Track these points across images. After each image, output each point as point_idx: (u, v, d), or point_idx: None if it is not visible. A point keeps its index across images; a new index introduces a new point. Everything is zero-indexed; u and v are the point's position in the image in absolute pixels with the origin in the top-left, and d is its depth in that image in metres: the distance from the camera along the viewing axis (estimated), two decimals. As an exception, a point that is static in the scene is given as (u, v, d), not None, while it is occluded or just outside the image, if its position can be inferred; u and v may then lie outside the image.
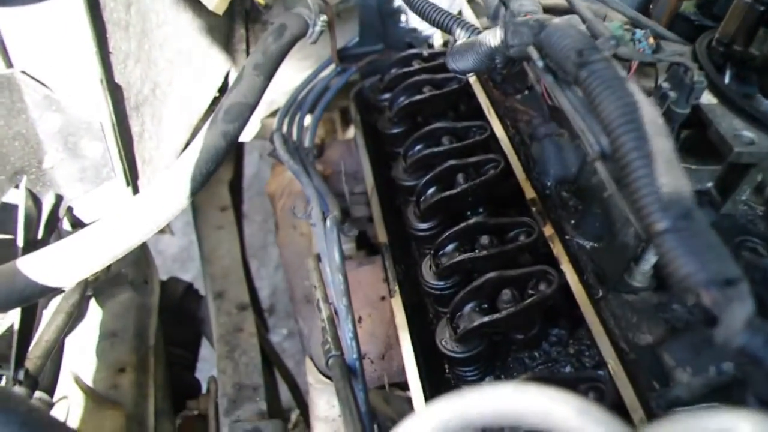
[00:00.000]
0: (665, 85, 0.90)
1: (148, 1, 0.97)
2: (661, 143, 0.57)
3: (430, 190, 1.13)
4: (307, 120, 1.45)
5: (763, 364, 0.50)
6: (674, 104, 0.88)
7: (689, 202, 0.56)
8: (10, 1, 0.77)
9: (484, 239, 1.01)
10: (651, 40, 1.03)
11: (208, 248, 1.64)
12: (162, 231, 1.79)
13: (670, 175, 0.56)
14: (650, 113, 0.58)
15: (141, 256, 1.46)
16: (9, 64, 0.82)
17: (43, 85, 0.84)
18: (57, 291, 0.84)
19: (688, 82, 0.86)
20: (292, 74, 1.69)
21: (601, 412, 0.46)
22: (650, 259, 0.92)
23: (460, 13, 1.41)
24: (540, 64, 0.72)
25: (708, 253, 0.54)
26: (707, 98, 0.94)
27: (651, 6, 1.30)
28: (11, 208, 0.88)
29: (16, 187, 0.88)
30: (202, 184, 0.98)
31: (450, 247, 1.03)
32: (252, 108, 1.10)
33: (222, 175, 2.05)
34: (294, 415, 2.19)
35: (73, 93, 0.87)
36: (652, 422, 0.75)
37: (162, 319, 1.56)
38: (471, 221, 1.02)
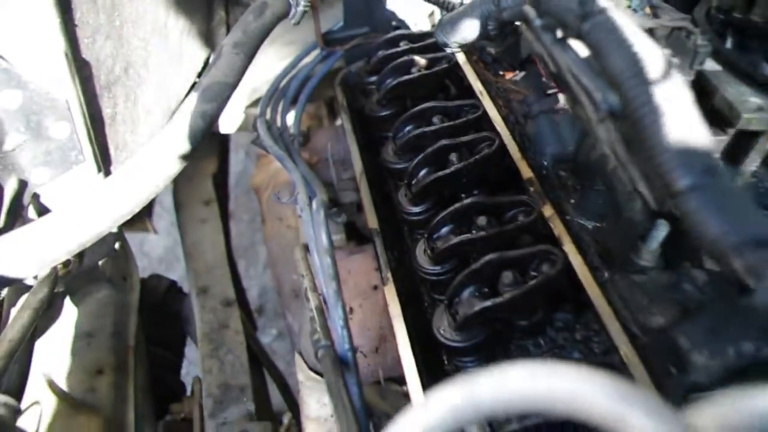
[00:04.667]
0: (667, 51, 0.85)
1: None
2: (678, 94, 0.51)
3: (422, 172, 1.07)
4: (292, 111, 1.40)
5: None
6: (678, 70, 0.83)
7: (712, 157, 0.51)
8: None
9: (482, 220, 0.95)
10: (648, 10, 0.98)
11: (191, 242, 1.57)
12: (146, 230, 1.73)
13: (689, 128, 0.50)
14: (662, 63, 0.53)
15: (119, 250, 1.39)
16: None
17: (1, 57, 0.77)
18: (18, 281, 0.77)
19: (690, 47, 0.82)
20: (276, 61, 1.63)
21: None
22: (658, 236, 0.87)
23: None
24: (537, 23, 0.66)
25: (737, 211, 0.49)
26: (710, 65, 0.89)
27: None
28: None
29: (-26, 171, 0.81)
30: (179, 167, 0.91)
31: (445, 230, 0.97)
32: (232, 87, 1.03)
33: (205, 167, 1.98)
34: (286, 419, 2.12)
35: (35, 67, 0.79)
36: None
37: (143, 318, 1.49)
38: (466, 201, 0.96)
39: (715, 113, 0.90)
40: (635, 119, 0.53)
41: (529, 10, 0.68)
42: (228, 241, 1.79)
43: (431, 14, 1.72)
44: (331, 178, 1.35)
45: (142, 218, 1.58)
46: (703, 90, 0.91)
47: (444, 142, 1.06)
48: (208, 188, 1.89)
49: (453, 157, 1.05)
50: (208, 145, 1.98)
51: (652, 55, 0.52)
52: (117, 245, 1.34)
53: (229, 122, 1.77)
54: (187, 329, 1.62)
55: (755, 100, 0.86)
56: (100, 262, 1.29)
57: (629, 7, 0.94)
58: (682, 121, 0.50)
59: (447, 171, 1.02)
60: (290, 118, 1.38)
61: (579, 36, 0.58)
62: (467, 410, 0.40)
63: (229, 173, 2.42)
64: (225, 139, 2.22)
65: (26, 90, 0.79)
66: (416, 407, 0.42)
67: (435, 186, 1.04)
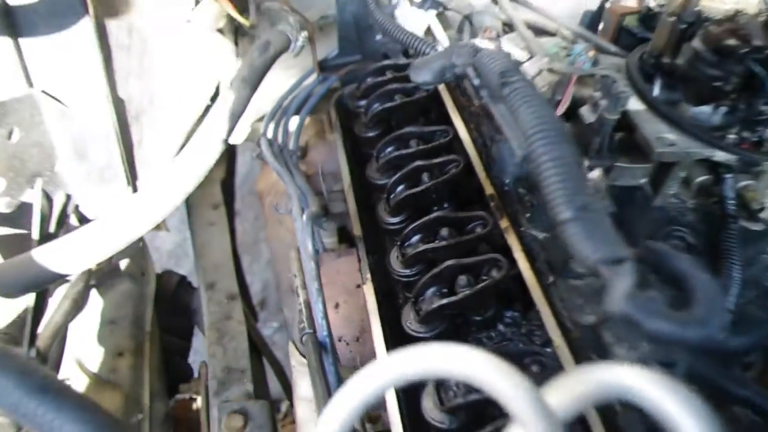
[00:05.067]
0: (597, 94, 1.03)
1: (147, 27, 1.09)
2: (566, 150, 0.70)
3: (399, 188, 1.26)
4: (293, 124, 1.58)
5: (639, 326, 0.64)
6: (605, 111, 1.02)
7: (588, 197, 0.70)
8: (32, 33, 0.90)
9: (444, 231, 1.14)
10: (591, 53, 1.16)
11: (201, 243, 1.76)
12: (158, 227, 1.93)
13: (571, 175, 0.69)
14: (557, 125, 0.72)
15: (138, 249, 1.59)
16: (30, 84, 0.94)
17: (59, 101, 0.96)
18: (65, 278, 0.96)
19: (614, 92, 1.00)
20: (279, 82, 1.82)
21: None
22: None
23: (429, 28, 1.55)
24: (476, 81, 0.85)
25: (602, 237, 0.68)
26: (637, 105, 1.07)
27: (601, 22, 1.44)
28: (28, 206, 1.01)
29: (32, 187, 1.01)
30: (196, 183, 1.11)
31: (415, 239, 1.16)
32: (239, 115, 1.23)
33: (214, 174, 2.17)
34: (284, 406, 2.31)
35: (83, 107, 0.99)
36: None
37: (157, 309, 1.69)
38: (432, 215, 1.15)
39: (639, 146, 1.09)
40: (534, 166, 0.72)
41: (470, 71, 0.87)
42: (233, 239, 1.99)
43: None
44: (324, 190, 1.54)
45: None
46: (628, 126, 1.09)
47: (418, 163, 1.25)
48: (216, 193, 2.08)
49: (425, 176, 1.24)
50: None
51: (548, 121, 0.71)
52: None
53: (236, 135, 1.96)
54: (195, 320, 1.82)
55: (670, 136, 1.04)
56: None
57: (568, 56, 1.12)
58: (565, 170, 0.69)
59: (418, 188, 1.21)
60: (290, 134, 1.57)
61: (501, 98, 0.77)
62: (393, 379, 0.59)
63: (235, 176, 2.61)
64: (232, 148, 2.41)
65: (75, 125, 0.98)
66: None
67: (409, 201, 1.23)
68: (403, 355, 0.55)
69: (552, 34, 1.36)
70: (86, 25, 0.95)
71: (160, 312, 1.72)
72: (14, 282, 0.90)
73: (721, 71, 0.96)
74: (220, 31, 1.39)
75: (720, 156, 0.98)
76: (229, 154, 2.34)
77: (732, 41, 0.94)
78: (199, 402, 1.60)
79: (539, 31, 1.37)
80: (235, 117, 1.20)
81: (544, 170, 0.71)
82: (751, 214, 1.02)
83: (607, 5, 1.40)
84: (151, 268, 1.74)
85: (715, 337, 0.58)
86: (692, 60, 1.00)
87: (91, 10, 0.94)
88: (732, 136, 0.97)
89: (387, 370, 0.57)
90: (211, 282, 1.66)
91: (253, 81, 1.26)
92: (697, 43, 0.99)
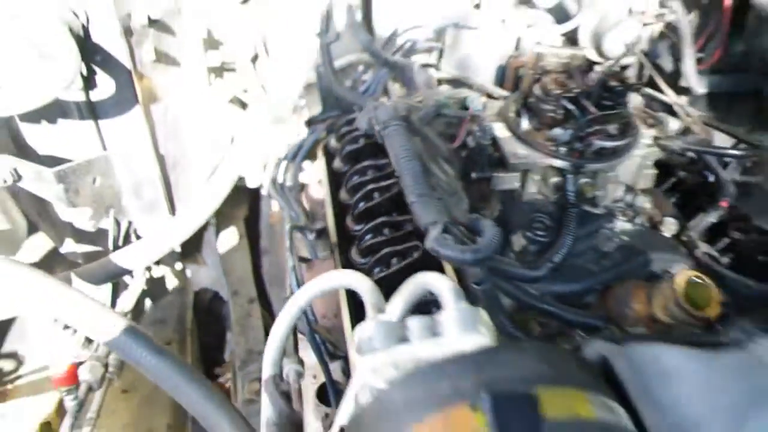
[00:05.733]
0: (475, 128, 1.51)
1: (177, 105, 1.64)
2: (415, 165, 1.18)
3: (360, 205, 1.75)
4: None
5: (440, 255, 1.09)
6: (480, 138, 1.49)
7: (424, 190, 1.17)
8: (105, 116, 1.45)
9: (386, 230, 1.61)
10: (482, 100, 1.65)
11: (227, 263, 2.28)
12: (198, 262, 2.47)
13: (416, 179, 1.17)
14: (410, 150, 1.20)
15: (179, 273, 2.11)
16: (104, 148, 1.49)
17: (120, 155, 1.50)
18: (128, 272, 1.48)
19: (485, 125, 1.48)
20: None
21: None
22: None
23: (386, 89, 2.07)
24: (377, 128, 1.35)
25: (428, 211, 1.15)
26: (503, 133, 1.54)
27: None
28: (105, 230, 1.54)
29: (107, 216, 1.54)
30: (211, 212, 1.63)
31: (367, 237, 1.64)
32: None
33: (237, 213, 2.72)
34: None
35: (137, 162, 1.53)
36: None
37: (197, 316, 2.20)
38: (378, 220, 1.64)
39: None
40: (398, 175, 1.20)
41: (374, 121, 1.36)
42: (255, 262, 2.50)
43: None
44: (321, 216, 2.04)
45: (194, 255, 2.31)
46: (497, 148, 1.56)
47: (371, 186, 1.74)
48: (240, 228, 2.62)
49: (376, 194, 1.72)
50: (239, 197, 2.72)
51: (404, 148, 1.19)
52: (178, 267, 2.07)
53: (252, 180, 2.51)
54: (226, 324, 2.32)
55: (522, 151, 1.49)
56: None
57: (455, 102, 1.61)
58: (413, 176, 1.17)
59: (371, 203, 1.70)
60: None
61: (382, 139, 1.25)
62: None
63: (260, 216, 3.15)
64: (254, 192, 2.97)
65: (135, 174, 1.52)
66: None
67: (365, 213, 1.71)
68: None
69: (470, 87, 1.86)
70: (137, 110, 1.50)
71: (200, 319, 2.23)
72: (98, 275, 1.42)
73: (551, 107, 1.43)
74: (232, 101, 1.94)
75: (558, 163, 1.44)
76: (252, 196, 2.89)
77: (553, 87, 1.40)
78: (229, 383, 2.08)
79: (461, 84, 1.87)
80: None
81: (403, 177, 1.19)
82: (591, 202, 1.47)
83: (510, 60, 1.89)
84: (189, 287, 2.26)
85: (481, 258, 1.03)
86: (535, 101, 1.47)
87: (140, 99, 1.49)
88: (563, 149, 1.43)
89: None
90: (235, 290, 2.17)
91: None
92: (536, 89, 1.47)
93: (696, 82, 1.91)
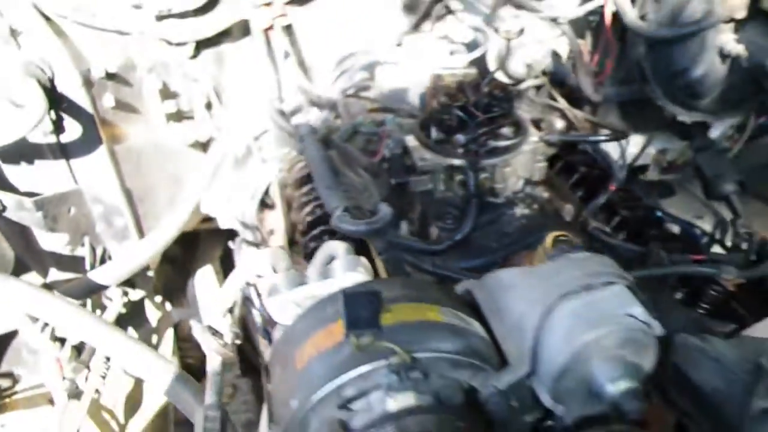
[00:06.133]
0: (390, 143, 1.79)
1: (138, 145, 1.93)
2: (323, 168, 1.45)
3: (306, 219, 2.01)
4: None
5: (342, 230, 1.34)
6: (393, 149, 1.76)
7: (331, 183, 1.43)
8: (75, 155, 1.74)
9: (326, 237, 1.86)
10: (399, 120, 1.93)
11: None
12: (181, 304, 2.70)
13: (326, 177, 1.44)
14: (323, 157, 1.48)
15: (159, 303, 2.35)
16: (76, 182, 1.76)
17: (96, 195, 1.78)
18: (103, 288, 1.72)
19: (395, 136, 1.75)
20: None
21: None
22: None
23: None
24: (299, 143, 1.63)
25: (333, 198, 1.41)
26: (413, 142, 1.81)
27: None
28: (81, 257, 1.80)
29: (83, 244, 1.80)
30: (170, 239, 1.89)
31: (311, 245, 1.89)
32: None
33: (214, 253, 2.97)
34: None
35: (106, 195, 1.80)
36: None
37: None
38: (318, 229, 1.89)
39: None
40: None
41: (299, 138, 1.64)
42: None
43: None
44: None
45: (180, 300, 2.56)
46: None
47: (314, 203, 2.00)
48: (216, 266, 2.86)
49: (318, 210, 1.98)
50: (213, 238, 2.98)
51: (319, 157, 1.46)
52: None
53: (223, 221, 2.78)
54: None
55: (427, 156, 1.74)
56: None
57: (372, 123, 1.89)
58: (322, 174, 1.43)
59: (314, 217, 1.95)
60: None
61: (301, 152, 1.53)
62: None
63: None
64: (229, 232, 3.23)
65: (105, 205, 1.78)
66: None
67: (309, 226, 1.97)
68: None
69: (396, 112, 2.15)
70: (102, 149, 1.78)
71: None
72: (78, 290, 1.66)
73: (446, 116, 1.71)
74: (193, 146, 2.23)
75: (458, 162, 1.70)
76: (227, 236, 3.14)
77: (446, 99, 1.69)
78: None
79: (391, 111, 2.16)
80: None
81: (315, 175, 1.46)
82: (492, 193, 1.73)
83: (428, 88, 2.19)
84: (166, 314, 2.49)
85: (375, 229, 1.28)
86: (436, 113, 1.76)
87: (104, 141, 1.78)
88: (460, 150, 1.70)
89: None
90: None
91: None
92: (435, 103, 1.76)
93: (592, 93, 2.21)
